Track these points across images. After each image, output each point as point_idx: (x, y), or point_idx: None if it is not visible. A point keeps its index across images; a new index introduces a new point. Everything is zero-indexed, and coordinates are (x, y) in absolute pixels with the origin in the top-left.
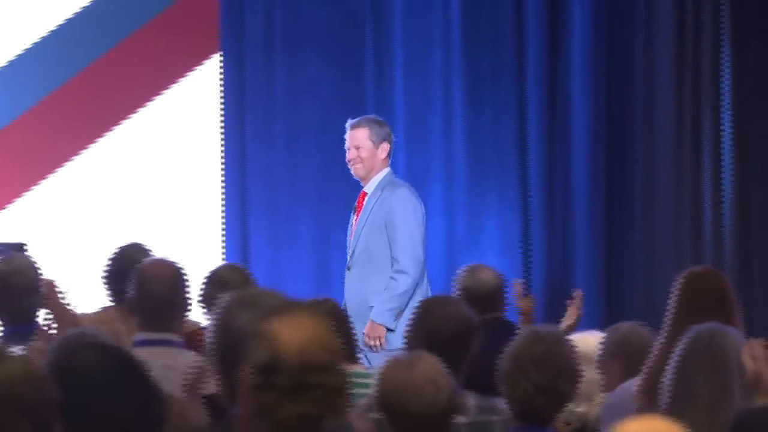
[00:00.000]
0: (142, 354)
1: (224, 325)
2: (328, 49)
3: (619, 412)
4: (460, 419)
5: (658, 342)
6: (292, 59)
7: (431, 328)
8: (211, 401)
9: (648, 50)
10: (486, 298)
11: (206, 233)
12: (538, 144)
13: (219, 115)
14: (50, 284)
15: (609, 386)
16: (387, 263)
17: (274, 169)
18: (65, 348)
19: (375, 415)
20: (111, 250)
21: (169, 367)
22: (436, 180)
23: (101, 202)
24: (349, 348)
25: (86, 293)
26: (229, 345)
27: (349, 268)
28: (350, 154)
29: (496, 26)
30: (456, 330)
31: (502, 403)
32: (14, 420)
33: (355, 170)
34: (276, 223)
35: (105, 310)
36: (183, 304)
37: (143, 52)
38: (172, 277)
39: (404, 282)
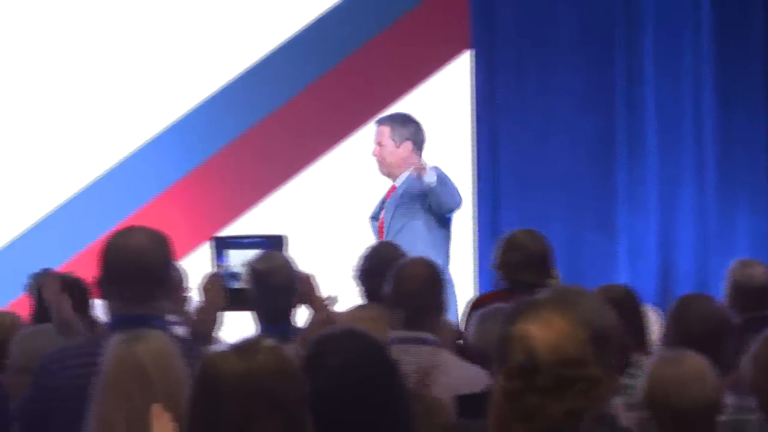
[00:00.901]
0: (396, 352)
1: None
2: (579, 48)
3: None
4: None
5: None
6: (543, 57)
7: (686, 326)
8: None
9: None
10: (754, 294)
11: (456, 230)
12: None
13: (470, 113)
14: (308, 280)
15: None
16: (425, 237)
17: (526, 167)
18: (322, 344)
19: (641, 412)
20: (362, 248)
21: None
22: (687, 180)
23: (351, 198)
24: (639, 337)
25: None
26: None
27: None
28: (373, 151)
29: (746, 25)
30: (711, 328)
31: None
32: (264, 412)
33: (379, 167)
34: (527, 221)
35: (361, 308)
36: (439, 304)
37: (394, 50)
38: (428, 276)
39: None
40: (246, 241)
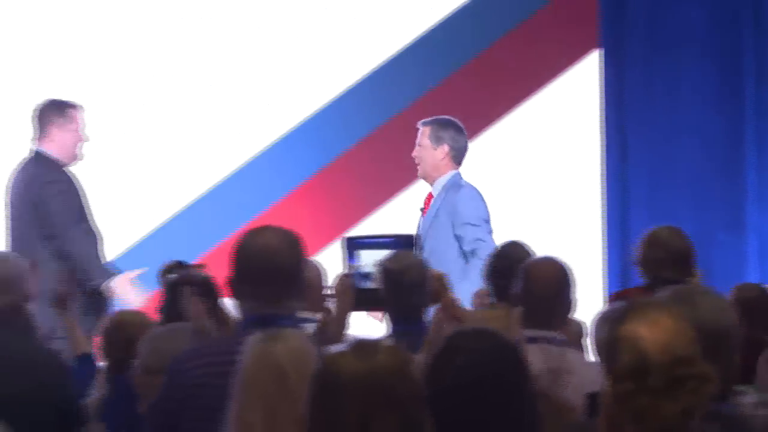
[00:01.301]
0: (525, 351)
1: None
2: (707, 48)
3: None
4: None
5: None
6: (671, 57)
7: None
8: (593, 400)
9: None
10: None
11: (585, 230)
12: None
13: (598, 112)
14: (440, 278)
15: None
16: (455, 263)
17: (655, 166)
18: (451, 342)
19: None
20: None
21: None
22: None
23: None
24: None
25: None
26: None
27: None
28: (414, 152)
29: None
30: None
31: None
32: (383, 412)
33: (418, 168)
34: (656, 220)
35: (490, 307)
36: (567, 303)
37: (522, 50)
38: (557, 275)
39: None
40: (377, 241)
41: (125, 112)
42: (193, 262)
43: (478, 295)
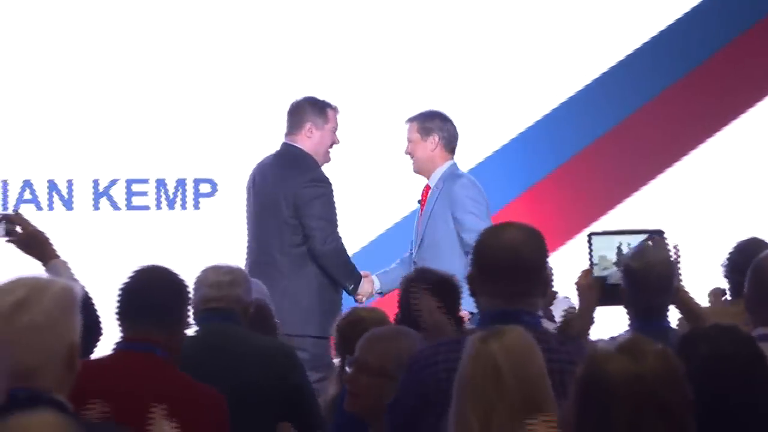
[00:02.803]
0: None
1: None
2: None
3: None
4: None
5: None
6: None
7: None
8: None
9: None
10: None
11: None
12: None
13: None
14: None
15: None
16: (454, 254)
17: None
18: (691, 337)
19: None
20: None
21: None
22: None
23: (725, 191)
24: None
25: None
26: None
27: (415, 263)
28: (406, 149)
29: None
30: None
31: None
32: (653, 417)
33: (412, 164)
34: None
35: (730, 303)
36: None
37: (753, 52)
38: None
39: None
40: (622, 236)
41: (361, 112)
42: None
43: (712, 294)
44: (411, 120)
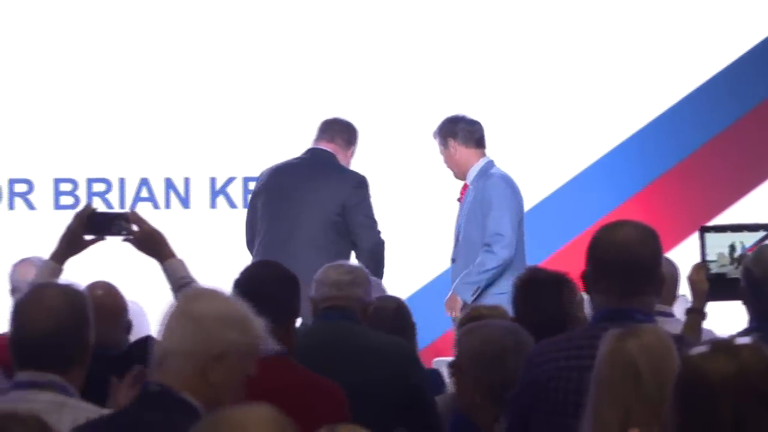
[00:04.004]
0: None
1: None
2: None
3: None
4: None
5: None
6: None
7: None
8: None
9: None
10: None
11: None
12: None
13: None
14: None
15: None
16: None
17: None
18: None
19: None
20: None
21: None
22: None
23: None
24: None
25: None
26: None
27: (454, 260)
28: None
29: None
30: None
31: None
32: (756, 410)
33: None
34: None
35: None
36: None
37: None
38: None
39: (489, 261)
40: (735, 230)
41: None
42: (548, 256)
43: None
44: (434, 137)
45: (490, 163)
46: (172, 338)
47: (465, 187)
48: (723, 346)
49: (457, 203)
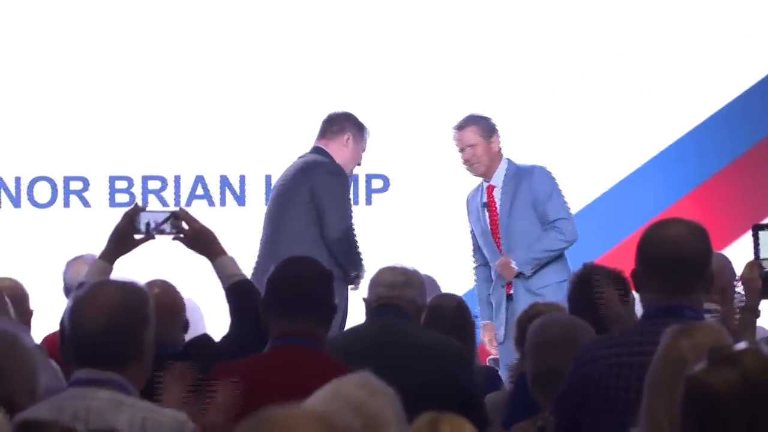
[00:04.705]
0: None
1: None
2: None
3: None
4: None
5: None
6: None
7: None
8: None
9: None
10: None
11: None
12: None
13: None
14: None
15: None
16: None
17: None
18: None
19: None
20: None
21: None
22: None
23: None
24: None
25: None
26: None
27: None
28: (466, 155)
29: None
30: None
31: None
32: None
33: (476, 169)
34: None
35: None
36: None
37: None
38: None
39: (555, 241)
40: None
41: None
42: (603, 254)
43: None
44: (466, 125)
45: (512, 161)
46: None
47: (491, 189)
48: (723, 357)
49: (482, 208)
